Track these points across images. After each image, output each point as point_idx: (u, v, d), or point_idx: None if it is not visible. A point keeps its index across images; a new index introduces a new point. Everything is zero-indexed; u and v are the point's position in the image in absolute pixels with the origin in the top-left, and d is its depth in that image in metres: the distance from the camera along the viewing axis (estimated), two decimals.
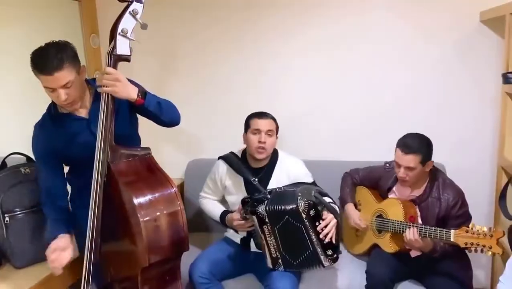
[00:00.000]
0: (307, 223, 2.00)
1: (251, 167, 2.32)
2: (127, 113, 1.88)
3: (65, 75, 1.66)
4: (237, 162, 2.34)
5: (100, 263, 1.76)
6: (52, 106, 1.85)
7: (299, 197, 2.01)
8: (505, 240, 2.02)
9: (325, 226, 2.01)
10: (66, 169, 2.01)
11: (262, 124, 2.26)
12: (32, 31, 2.18)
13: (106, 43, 2.77)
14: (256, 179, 2.25)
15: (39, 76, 1.67)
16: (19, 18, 2.57)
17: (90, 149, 1.79)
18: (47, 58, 1.63)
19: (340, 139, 2.75)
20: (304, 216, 1.99)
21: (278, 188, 2.19)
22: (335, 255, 2.04)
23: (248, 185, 2.28)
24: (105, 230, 1.71)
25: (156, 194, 1.65)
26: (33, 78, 1.69)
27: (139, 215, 1.57)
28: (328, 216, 2.02)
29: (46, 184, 1.89)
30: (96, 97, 1.85)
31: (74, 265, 2.16)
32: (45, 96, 1.77)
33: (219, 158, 2.42)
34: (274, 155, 2.34)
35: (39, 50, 1.67)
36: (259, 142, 2.23)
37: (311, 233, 2.02)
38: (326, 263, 2.04)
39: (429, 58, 2.56)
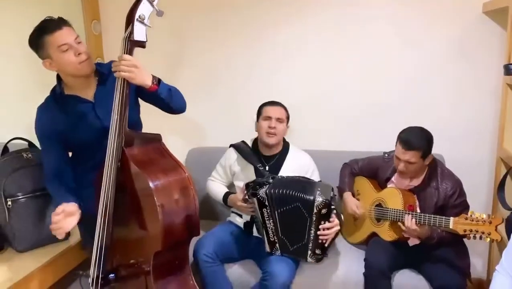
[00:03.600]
0: (314, 218, 2.05)
1: (263, 155, 2.39)
2: (132, 99, 1.89)
3: (72, 31, 1.73)
4: (247, 150, 2.41)
5: (109, 247, 1.77)
6: (58, 87, 1.85)
7: (318, 192, 2.06)
8: (502, 229, 2.05)
9: (328, 228, 2.06)
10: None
11: (273, 111, 2.34)
12: (32, 17, 2.17)
13: (107, 30, 2.82)
14: (267, 167, 2.33)
15: (49, 40, 1.69)
16: (19, 3, 2.57)
17: (95, 132, 1.81)
18: (51, 20, 1.71)
19: (340, 129, 2.76)
20: (315, 210, 2.04)
21: (281, 176, 2.25)
22: (320, 256, 2.12)
23: (257, 171, 2.33)
24: (116, 214, 1.72)
25: (171, 179, 1.66)
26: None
27: (155, 198, 1.58)
28: (335, 221, 2.09)
29: (51, 164, 1.88)
30: (101, 81, 1.87)
31: (77, 249, 2.20)
32: (46, 80, 1.78)
33: (231, 145, 2.48)
34: (286, 146, 2.42)
35: (39, 23, 1.73)
36: (269, 127, 2.30)
37: (312, 228, 2.07)
38: (309, 260, 2.12)
39: (431, 49, 2.56)
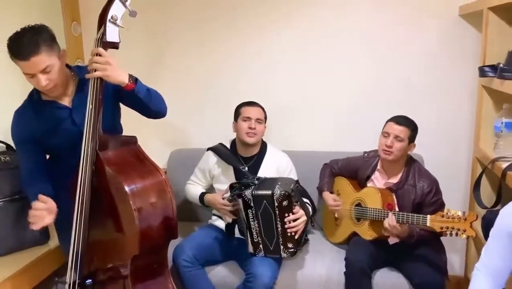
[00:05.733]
0: (277, 212, 2.07)
1: (241, 156, 2.39)
2: (110, 101, 1.86)
3: (43, 59, 1.62)
4: (226, 152, 2.40)
5: (85, 252, 1.74)
6: (35, 93, 1.83)
7: (278, 185, 2.07)
8: (478, 226, 2.09)
9: (294, 220, 2.07)
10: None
11: (252, 112, 2.35)
12: (10, 18, 2.15)
13: (87, 31, 2.80)
14: (246, 167, 2.32)
15: (16, 62, 1.64)
16: None
17: (71, 138, 1.79)
18: (23, 43, 1.60)
19: (321, 130, 2.78)
20: (276, 204, 2.05)
21: (266, 177, 2.25)
22: (293, 250, 2.13)
23: (237, 172, 2.33)
24: (91, 219, 1.70)
25: (147, 182, 1.65)
26: (11, 64, 1.67)
27: (131, 202, 1.57)
28: (299, 212, 2.09)
29: (28, 167, 1.86)
30: (80, 87, 1.83)
31: (56, 253, 2.17)
32: (24, 83, 1.75)
33: (208, 149, 2.46)
34: (263, 146, 2.43)
35: (15, 35, 1.64)
36: (249, 128, 2.30)
37: (278, 222, 2.09)
38: (283, 254, 2.13)
39: (409, 51, 2.60)
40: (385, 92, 2.66)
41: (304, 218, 2.11)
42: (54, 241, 2.19)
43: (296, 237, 2.11)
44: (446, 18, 2.52)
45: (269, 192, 2.05)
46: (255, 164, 2.37)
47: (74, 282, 1.70)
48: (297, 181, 2.35)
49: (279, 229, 2.09)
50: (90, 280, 1.72)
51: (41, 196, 1.69)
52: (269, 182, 2.15)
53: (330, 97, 2.73)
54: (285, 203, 2.05)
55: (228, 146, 2.45)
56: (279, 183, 2.10)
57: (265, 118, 2.40)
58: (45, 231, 2.16)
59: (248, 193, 2.09)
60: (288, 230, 2.09)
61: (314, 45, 2.68)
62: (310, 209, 2.23)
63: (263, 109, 2.40)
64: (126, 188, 1.58)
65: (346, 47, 2.66)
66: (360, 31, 2.62)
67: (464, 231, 1.85)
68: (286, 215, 2.07)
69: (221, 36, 2.77)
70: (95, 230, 1.72)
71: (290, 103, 2.77)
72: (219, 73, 2.82)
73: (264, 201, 2.07)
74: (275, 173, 2.35)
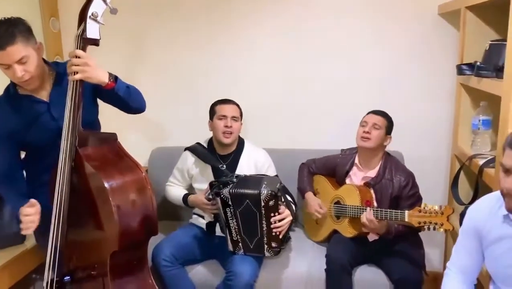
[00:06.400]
0: (263, 212, 2.06)
1: (218, 154, 2.37)
2: (90, 99, 1.86)
3: (19, 49, 1.61)
4: (204, 151, 2.38)
5: (64, 249, 1.73)
6: (11, 87, 1.80)
7: (264, 185, 2.07)
8: (456, 220, 2.12)
9: (279, 220, 2.08)
10: (22, 155, 1.95)
11: (228, 110, 2.33)
12: None
13: (66, 27, 2.76)
14: (224, 165, 2.31)
15: None
16: None
17: (50, 133, 1.77)
18: (1, 35, 1.59)
19: (300, 127, 2.79)
20: (263, 204, 2.05)
21: (245, 175, 2.24)
22: (277, 249, 2.13)
23: (216, 171, 2.32)
24: (70, 216, 1.69)
25: (127, 179, 1.65)
26: None
27: (110, 199, 1.57)
28: (285, 212, 2.10)
29: (2, 164, 1.83)
30: (57, 80, 1.82)
31: (33, 253, 2.14)
32: (2, 77, 1.72)
33: (186, 149, 2.44)
34: (240, 143, 2.41)
35: None
36: (226, 126, 2.28)
37: (263, 222, 2.09)
38: (267, 254, 2.14)
39: (389, 50, 2.62)
40: (364, 91, 2.68)
41: (290, 218, 2.11)
42: (30, 241, 2.15)
43: (281, 236, 2.12)
44: (426, 17, 2.55)
45: (256, 191, 2.04)
46: (233, 162, 2.36)
47: (52, 280, 1.69)
48: (275, 176, 2.36)
49: (264, 229, 2.09)
50: (68, 277, 1.72)
51: (31, 201, 1.69)
52: (253, 181, 2.14)
53: (308, 96, 2.74)
54: (271, 203, 2.05)
55: (205, 145, 2.43)
56: (265, 182, 2.09)
57: (241, 115, 2.39)
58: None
59: (225, 191, 2.08)
60: (274, 230, 2.09)
61: (293, 44, 2.69)
62: (294, 208, 2.24)
63: (238, 106, 2.39)
64: (106, 185, 1.58)
65: (325, 46, 2.67)
66: (339, 30, 2.64)
67: (442, 225, 1.88)
68: (272, 215, 2.07)
69: (201, 34, 2.76)
70: (74, 227, 1.71)
71: (268, 102, 2.77)
72: (200, 71, 2.80)
73: (247, 200, 2.06)
74: (253, 169, 2.34)
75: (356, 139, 2.26)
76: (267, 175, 2.32)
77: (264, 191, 2.03)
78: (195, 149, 2.41)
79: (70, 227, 1.70)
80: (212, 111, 2.38)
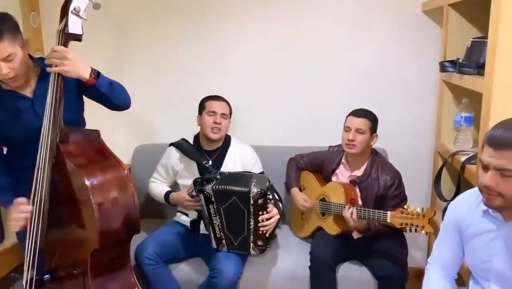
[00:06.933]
0: (251, 210, 2.05)
1: (204, 150, 2.36)
2: (74, 95, 1.83)
3: (6, 47, 1.59)
4: (189, 147, 2.37)
5: (44, 248, 1.70)
6: None
7: (253, 183, 2.06)
8: (437, 219, 2.14)
9: (267, 219, 2.07)
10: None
11: (218, 106, 2.32)
12: None
13: (47, 22, 2.71)
14: (210, 162, 2.29)
15: None
16: None
17: (33, 130, 1.73)
18: None
19: (287, 125, 2.78)
20: (252, 202, 2.04)
21: (229, 172, 2.23)
22: (263, 247, 2.13)
23: (201, 168, 2.31)
24: (50, 213, 1.66)
25: (108, 176, 1.63)
26: None
27: (91, 196, 1.54)
28: (273, 210, 2.09)
29: None
30: (42, 76, 1.79)
31: (12, 252, 2.10)
32: None
33: (170, 144, 2.42)
34: (227, 140, 2.41)
35: None
36: (215, 122, 2.28)
37: (251, 220, 2.08)
38: (252, 252, 2.13)
39: (372, 47, 2.63)
40: (348, 87, 2.68)
41: (278, 216, 2.11)
42: (9, 240, 2.12)
43: (267, 235, 2.11)
44: (410, 14, 2.57)
45: (245, 189, 2.03)
46: (219, 158, 2.35)
47: (32, 279, 1.66)
48: (261, 173, 2.36)
49: (251, 227, 2.08)
50: (48, 276, 1.69)
51: (20, 200, 1.66)
52: (242, 178, 2.13)
53: (295, 92, 2.74)
54: (260, 201, 2.04)
55: (192, 140, 2.41)
56: (255, 180, 2.08)
57: (230, 113, 2.39)
58: (0, 230, 2.09)
59: (209, 188, 2.07)
60: (261, 228, 2.08)
61: (279, 41, 2.68)
62: (281, 206, 2.24)
63: (228, 103, 2.38)
64: (87, 182, 1.56)
65: (310, 42, 2.67)
66: (323, 26, 2.64)
67: (423, 227, 1.88)
68: (261, 213, 2.06)
69: (187, 31, 2.73)
70: (55, 225, 1.68)
71: (255, 98, 2.76)
72: (185, 68, 2.78)
73: (234, 197, 2.05)
74: (239, 166, 2.34)
75: (342, 144, 2.25)
76: (253, 172, 2.31)
77: (254, 189, 2.03)
78: (180, 145, 2.38)
79: (50, 225, 1.67)
80: (202, 106, 2.36)
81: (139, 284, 1.76)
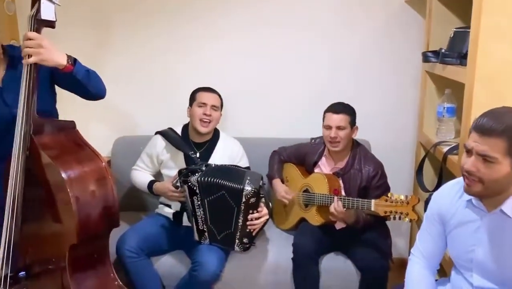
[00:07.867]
0: (242, 208, 2.03)
1: (193, 142, 2.33)
2: (46, 85, 1.78)
3: None
4: (176, 137, 2.33)
5: (19, 243, 1.65)
6: None
7: (247, 181, 2.03)
8: (419, 208, 2.15)
9: (256, 218, 2.06)
10: None
11: (208, 98, 2.29)
12: None
13: (22, 10, 2.62)
14: (198, 154, 2.27)
15: None
16: None
17: (2, 120, 1.69)
18: None
19: (273, 117, 2.77)
20: (244, 200, 2.02)
21: (215, 164, 2.21)
22: (247, 245, 2.12)
23: (187, 159, 2.27)
24: (25, 208, 1.61)
25: (86, 168, 1.59)
26: None
27: (68, 189, 1.51)
28: (263, 210, 2.08)
29: None
30: (11, 65, 1.74)
31: None
32: None
33: (157, 133, 2.38)
34: (216, 133, 2.38)
35: None
36: (204, 114, 2.24)
37: (240, 217, 2.05)
38: (236, 248, 2.12)
39: (355, 38, 2.62)
40: (331, 79, 2.67)
41: (267, 217, 2.10)
42: None
43: (254, 234, 2.10)
44: (393, 4, 2.56)
45: (239, 186, 2.01)
46: (207, 151, 2.32)
47: (6, 275, 1.61)
48: (247, 168, 2.34)
49: (239, 224, 2.06)
50: (24, 273, 1.64)
51: None
52: (234, 173, 2.11)
53: (280, 85, 2.72)
54: (252, 200, 2.02)
55: (179, 130, 2.37)
56: (249, 178, 2.06)
57: (221, 105, 2.35)
58: None
59: (193, 179, 2.04)
60: (249, 227, 2.06)
61: (266, 33, 2.66)
62: (271, 207, 2.22)
63: (220, 96, 2.35)
64: (63, 175, 1.52)
65: (295, 35, 2.65)
66: (306, 18, 2.62)
67: (407, 214, 1.89)
68: (251, 212, 2.05)
69: (169, 22, 2.68)
70: (30, 220, 1.63)
71: (238, 90, 2.72)
72: (168, 58, 2.73)
73: (223, 192, 2.03)
74: (226, 159, 2.31)
75: (325, 141, 2.24)
76: (240, 167, 2.29)
77: (248, 188, 2.00)
78: (166, 134, 2.34)
79: (25, 220, 1.62)
80: (193, 98, 2.33)
81: (120, 278, 1.73)
